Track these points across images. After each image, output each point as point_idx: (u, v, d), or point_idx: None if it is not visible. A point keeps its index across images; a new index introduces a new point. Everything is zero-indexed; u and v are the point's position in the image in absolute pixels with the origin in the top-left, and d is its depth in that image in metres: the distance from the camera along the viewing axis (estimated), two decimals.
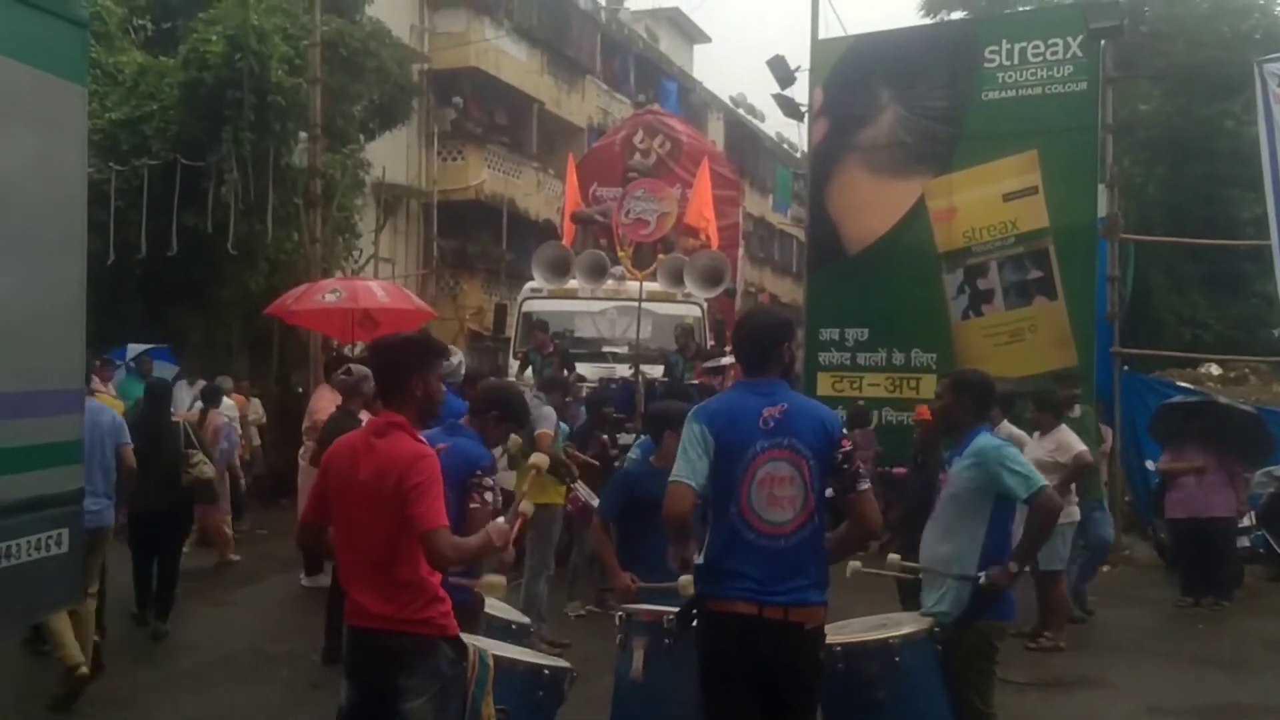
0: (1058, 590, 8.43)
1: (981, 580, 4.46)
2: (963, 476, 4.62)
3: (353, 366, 8.30)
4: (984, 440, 4.64)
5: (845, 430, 3.97)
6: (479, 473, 4.23)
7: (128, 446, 7.00)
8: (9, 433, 4.95)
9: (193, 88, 15.31)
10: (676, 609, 4.11)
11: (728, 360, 12.94)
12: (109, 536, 7.03)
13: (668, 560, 5.14)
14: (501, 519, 3.84)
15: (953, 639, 4.44)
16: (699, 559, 3.94)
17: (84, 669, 6.20)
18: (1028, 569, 8.42)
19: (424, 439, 3.78)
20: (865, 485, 3.92)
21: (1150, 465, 12.05)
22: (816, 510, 3.82)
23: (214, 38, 15.13)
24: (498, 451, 4.87)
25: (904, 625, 4.50)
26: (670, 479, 3.84)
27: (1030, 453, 8.48)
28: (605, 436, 10.29)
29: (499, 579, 4.05)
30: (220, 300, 16.37)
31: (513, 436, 4.94)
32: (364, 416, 7.90)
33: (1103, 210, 12.78)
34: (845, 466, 3.88)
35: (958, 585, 4.51)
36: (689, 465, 3.80)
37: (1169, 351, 16.19)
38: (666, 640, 4.30)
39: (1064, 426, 8.66)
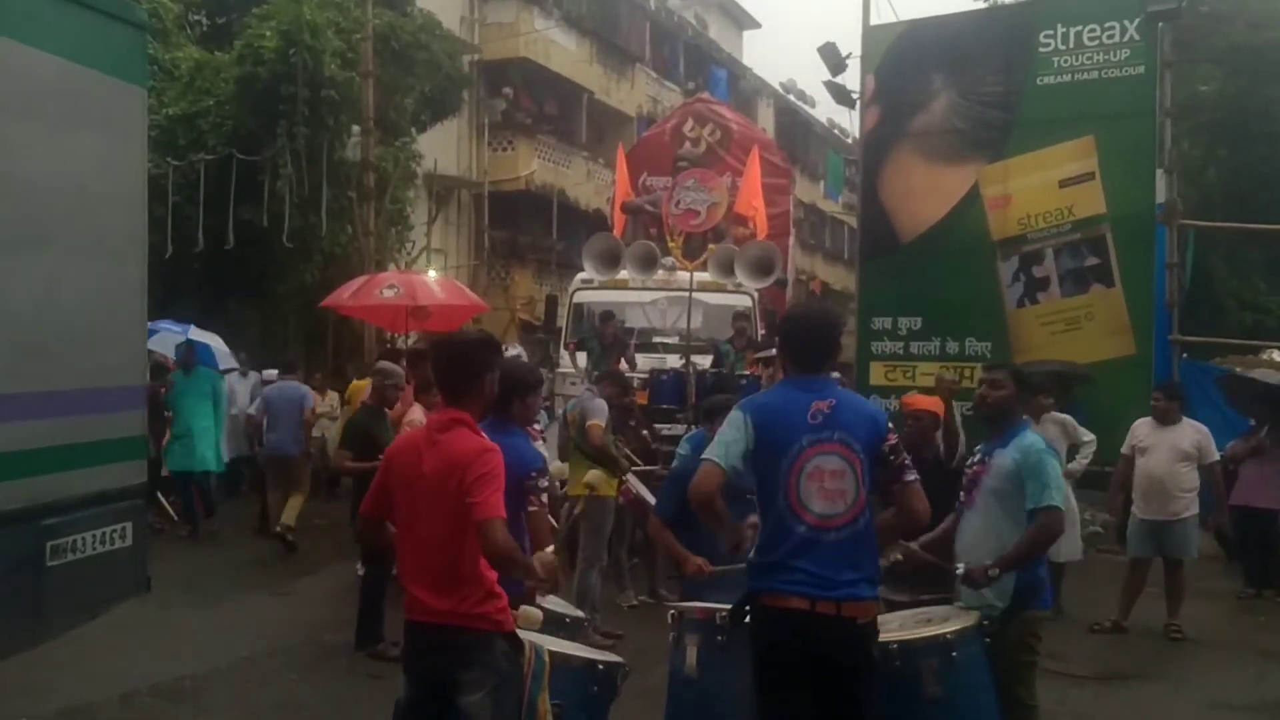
0: (1182, 576, 8.59)
1: (959, 571, 4.52)
2: (1008, 471, 4.58)
3: (383, 366, 8.57)
4: (1031, 438, 4.63)
5: (891, 426, 3.98)
6: (533, 474, 4.26)
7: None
8: (75, 429, 5.07)
9: (248, 83, 15.52)
10: (728, 606, 4.10)
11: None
12: (296, 461, 11.43)
13: (719, 546, 5.11)
14: (550, 550, 3.87)
15: (998, 632, 4.43)
16: (752, 553, 3.94)
17: (279, 527, 10.95)
18: (1124, 557, 8.58)
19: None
20: (912, 476, 3.94)
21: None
22: (867, 505, 3.83)
23: (268, 33, 15.32)
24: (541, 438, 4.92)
25: (952, 620, 4.44)
26: (701, 458, 3.91)
27: (1165, 439, 8.47)
28: (633, 424, 10.10)
29: (536, 612, 4.00)
30: (276, 293, 16.62)
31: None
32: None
33: (1161, 195, 12.56)
34: (892, 458, 3.89)
35: (1005, 578, 4.47)
36: (722, 446, 3.85)
37: (1229, 339, 15.90)
38: (719, 637, 4.30)
39: (1199, 424, 8.69)
